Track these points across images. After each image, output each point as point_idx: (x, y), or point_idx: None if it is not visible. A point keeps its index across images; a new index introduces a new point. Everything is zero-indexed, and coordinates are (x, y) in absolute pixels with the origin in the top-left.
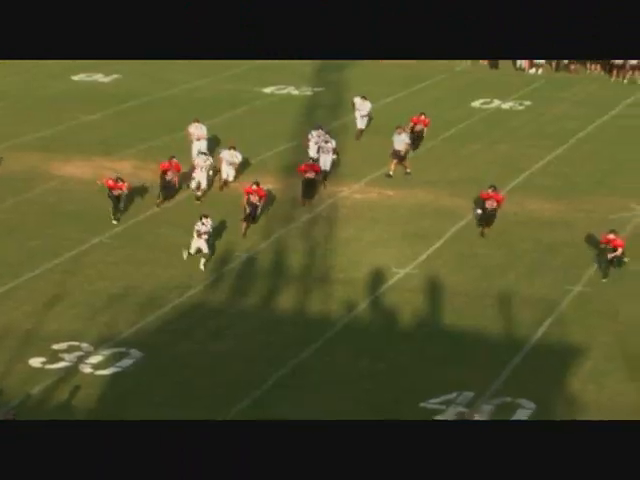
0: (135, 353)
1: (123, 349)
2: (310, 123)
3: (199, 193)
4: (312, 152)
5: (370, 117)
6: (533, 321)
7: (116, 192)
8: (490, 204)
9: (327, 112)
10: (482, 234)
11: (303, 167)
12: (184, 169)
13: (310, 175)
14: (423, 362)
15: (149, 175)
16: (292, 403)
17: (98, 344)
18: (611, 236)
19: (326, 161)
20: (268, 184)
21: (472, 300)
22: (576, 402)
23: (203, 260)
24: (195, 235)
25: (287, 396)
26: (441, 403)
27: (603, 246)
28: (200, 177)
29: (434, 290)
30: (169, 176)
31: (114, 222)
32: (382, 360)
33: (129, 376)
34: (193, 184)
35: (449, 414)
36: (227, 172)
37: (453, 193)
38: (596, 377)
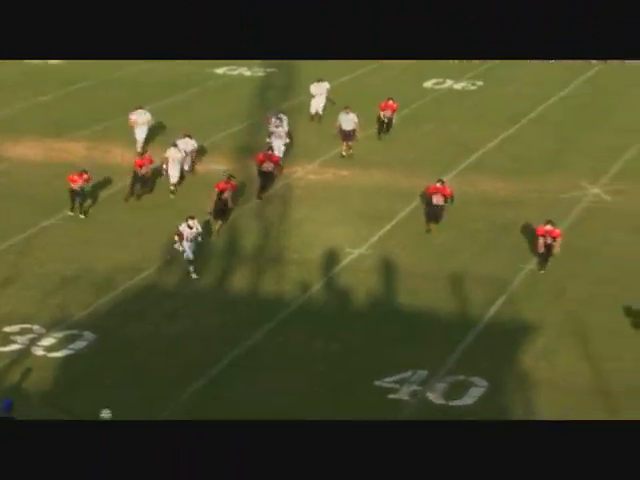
0: (88, 335)
1: (76, 331)
2: (263, 104)
3: (172, 187)
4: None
5: (332, 101)
6: (486, 300)
7: (76, 186)
8: (437, 199)
9: (279, 93)
10: (428, 230)
11: (261, 157)
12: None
13: (268, 167)
14: (377, 342)
15: (101, 156)
16: (246, 383)
17: (50, 326)
18: (548, 227)
19: (280, 147)
20: (220, 165)
21: (426, 280)
22: (528, 380)
23: (191, 268)
24: (177, 238)
25: (241, 376)
26: (395, 382)
27: (541, 239)
28: (172, 171)
29: (388, 270)
30: (143, 171)
31: (70, 213)
32: (336, 340)
33: (82, 358)
34: (172, 179)
35: (403, 393)
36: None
37: (407, 173)
38: (548, 355)
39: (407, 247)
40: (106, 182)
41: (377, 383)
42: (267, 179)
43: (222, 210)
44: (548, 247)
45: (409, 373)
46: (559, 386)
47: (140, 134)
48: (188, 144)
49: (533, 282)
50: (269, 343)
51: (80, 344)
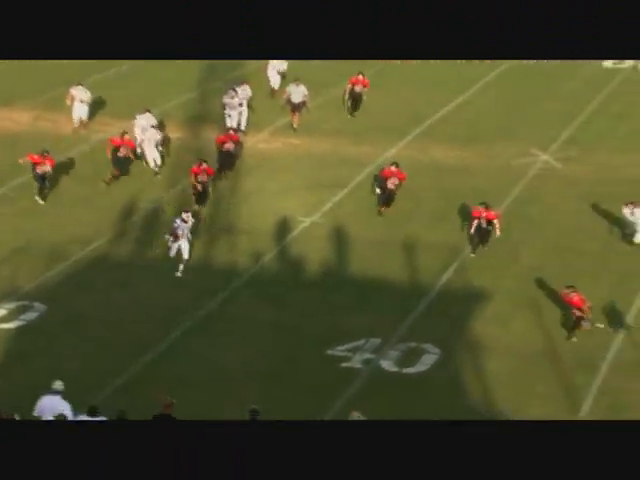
0: (39, 306)
1: (26, 302)
2: (212, 72)
3: (157, 169)
4: (230, 122)
5: (284, 75)
6: (438, 267)
7: (40, 170)
8: (392, 182)
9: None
10: (380, 213)
11: (222, 138)
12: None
13: (229, 147)
14: (330, 310)
15: (49, 126)
16: (199, 353)
17: (1, 298)
18: (482, 208)
19: (233, 118)
20: (171, 133)
21: (378, 248)
22: (481, 346)
23: (181, 267)
24: (171, 237)
25: (194, 346)
26: (348, 350)
27: (476, 220)
28: (151, 153)
29: (340, 239)
30: (122, 152)
31: (40, 202)
32: (288, 309)
33: (34, 329)
34: (152, 163)
35: (355, 361)
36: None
37: (357, 141)
38: (500, 321)
39: (359, 215)
40: (55, 153)
41: (329, 352)
42: (228, 158)
43: (201, 195)
44: (483, 231)
45: (362, 341)
46: (511, 352)
47: (78, 111)
48: (150, 119)
49: (485, 249)
50: (222, 312)
51: (31, 315)
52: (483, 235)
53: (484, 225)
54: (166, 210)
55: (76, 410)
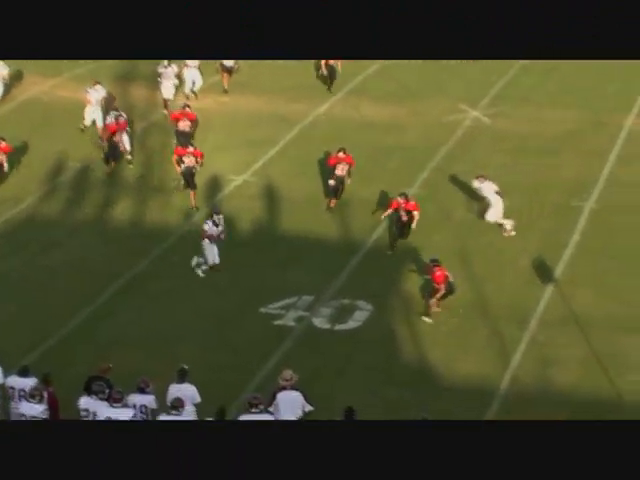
0: None
1: None
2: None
3: (129, 157)
4: (165, 93)
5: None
6: (369, 224)
7: None
8: (341, 170)
9: None
10: (328, 207)
11: (177, 115)
12: None
13: (185, 127)
14: (262, 268)
15: None
16: (132, 313)
17: None
18: (401, 199)
19: (168, 89)
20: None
21: (309, 205)
22: (412, 301)
23: (206, 268)
24: (206, 241)
25: (127, 306)
26: (281, 308)
27: (392, 210)
28: (122, 139)
29: (272, 196)
30: (117, 138)
31: None
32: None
33: None
34: (127, 148)
35: (288, 319)
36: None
37: (288, 99)
38: None
39: (291, 173)
40: None
41: (263, 310)
42: (186, 137)
43: (190, 176)
44: (402, 223)
45: (294, 299)
46: (442, 306)
47: None
48: (100, 92)
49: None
50: (153, 272)
51: None
52: (402, 228)
53: (404, 217)
54: (95, 169)
55: (6, 372)
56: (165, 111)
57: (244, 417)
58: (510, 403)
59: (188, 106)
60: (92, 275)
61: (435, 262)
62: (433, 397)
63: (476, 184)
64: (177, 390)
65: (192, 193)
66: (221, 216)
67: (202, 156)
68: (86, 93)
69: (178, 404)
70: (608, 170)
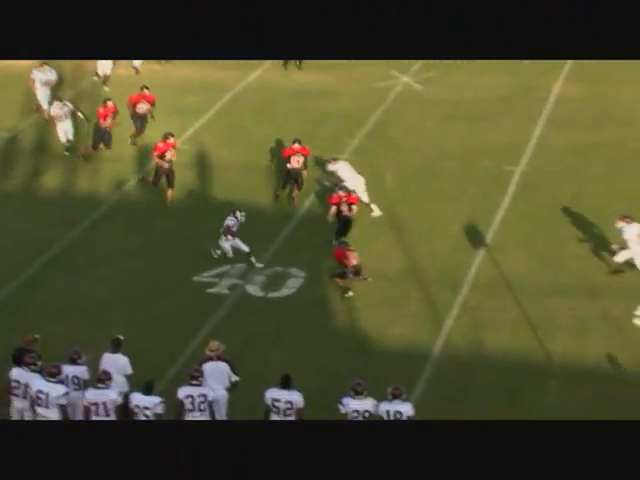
0: None
1: None
2: None
3: (68, 144)
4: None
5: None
6: (302, 192)
7: None
8: (297, 162)
9: None
10: (276, 195)
11: (135, 97)
12: None
13: (142, 109)
14: (194, 236)
15: None
16: (63, 284)
17: None
18: (342, 193)
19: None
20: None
21: (242, 174)
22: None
23: (253, 258)
24: (228, 235)
25: (58, 277)
26: (214, 276)
27: (334, 207)
28: (65, 127)
29: (203, 165)
30: (107, 122)
31: None
32: (153, 236)
33: None
34: (62, 137)
35: (222, 287)
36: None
37: (218, 67)
38: (365, 243)
39: (221, 141)
40: None
41: (196, 278)
42: (142, 122)
43: (168, 175)
44: (345, 218)
45: (227, 267)
46: (374, 272)
47: None
48: (49, 73)
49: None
50: (85, 241)
51: None
52: (345, 223)
53: (346, 211)
54: (22, 139)
55: None
56: (95, 78)
57: (183, 389)
58: (443, 367)
59: (146, 87)
60: (22, 245)
61: (343, 244)
62: (367, 362)
63: (331, 167)
64: (109, 360)
65: (170, 191)
66: (244, 213)
67: (175, 146)
68: (31, 74)
69: (105, 377)
70: (538, 134)
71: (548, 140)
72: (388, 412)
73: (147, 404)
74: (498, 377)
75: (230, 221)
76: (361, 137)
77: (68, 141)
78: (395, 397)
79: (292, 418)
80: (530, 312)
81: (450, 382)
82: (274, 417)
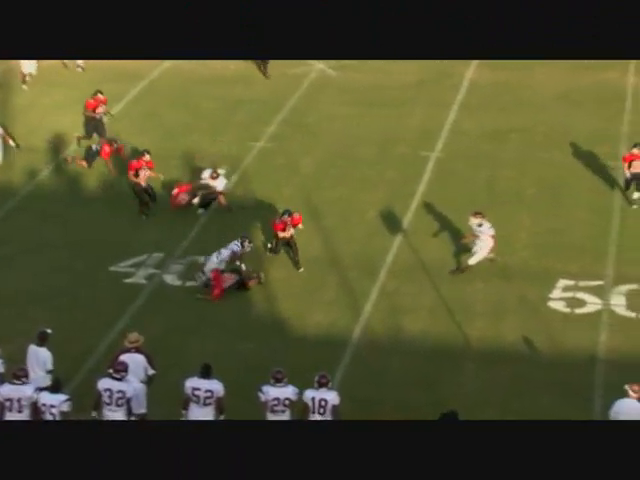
0: None
1: None
2: None
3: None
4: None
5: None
6: None
7: None
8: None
9: None
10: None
11: (92, 102)
12: None
13: (101, 113)
14: (111, 226)
15: None
16: None
17: None
18: (286, 218)
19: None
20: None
21: (158, 160)
22: (263, 255)
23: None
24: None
25: None
26: (131, 266)
27: (281, 233)
28: None
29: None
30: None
31: None
32: (70, 226)
33: None
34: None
35: (139, 277)
36: None
37: None
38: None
39: (137, 127)
40: None
41: (112, 269)
42: (99, 127)
43: (146, 190)
44: (293, 240)
45: (144, 257)
46: (293, 259)
47: None
48: None
49: (265, 158)
50: (4, 233)
51: None
52: (293, 246)
53: (291, 233)
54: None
55: None
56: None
57: (103, 381)
58: (362, 353)
59: (100, 92)
60: None
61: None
62: (286, 350)
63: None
64: (34, 353)
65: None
66: (252, 244)
67: (152, 165)
68: None
69: (21, 373)
70: (452, 120)
71: (462, 125)
72: (314, 399)
73: (53, 402)
74: (417, 361)
75: (236, 247)
76: (277, 124)
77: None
78: (321, 385)
79: (212, 407)
80: (447, 296)
81: (369, 367)
82: (194, 406)
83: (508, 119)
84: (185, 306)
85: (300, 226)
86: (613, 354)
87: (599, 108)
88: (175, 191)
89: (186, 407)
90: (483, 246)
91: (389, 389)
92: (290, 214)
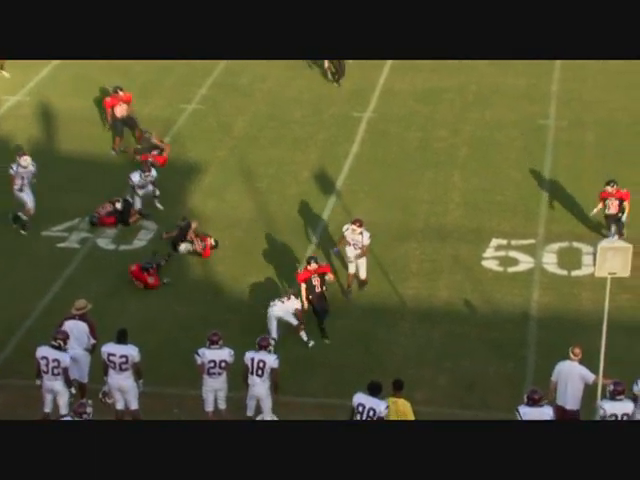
0: None
1: None
2: None
3: None
4: None
5: None
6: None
7: None
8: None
9: None
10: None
11: (110, 100)
12: None
13: (122, 112)
14: (41, 190)
15: None
16: None
17: None
18: (314, 265)
19: None
20: None
21: (89, 125)
22: (200, 218)
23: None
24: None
25: None
26: (64, 230)
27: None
28: None
29: (47, 116)
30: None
31: None
32: (1, 191)
33: None
34: None
35: (72, 241)
36: None
37: None
38: (216, 191)
39: (67, 91)
40: None
41: (45, 233)
42: (122, 125)
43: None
44: (322, 292)
45: (76, 220)
46: (229, 220)
47: None
48: None
49: (197, 120)
50: None
51: None
52: (323, 299)
53: (318, 286)
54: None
55: None
56: None
57: (41, 349)
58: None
59: (120, 89)
60: None
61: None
62: (220, 311)
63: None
64: None
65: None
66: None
67: (164, 162)
68: None
69: None
70: (383, 81)
71: (394, 86)
72: (252, 360)
73: None
74: (353, 321)
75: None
76: (208, 86)
77: None
78: (261, 348)
79: (129, 373)
80: (382, 256)
81: (307, 328)
82: (112, 372)
83: (440, 80)
84: (119, 270)
85: (331, 277)
86: (545, 311)
87: (529, 67)
88: None
89: (106, 373)
90: (360, 254)
91: (325, 349)
92: (316, 261)
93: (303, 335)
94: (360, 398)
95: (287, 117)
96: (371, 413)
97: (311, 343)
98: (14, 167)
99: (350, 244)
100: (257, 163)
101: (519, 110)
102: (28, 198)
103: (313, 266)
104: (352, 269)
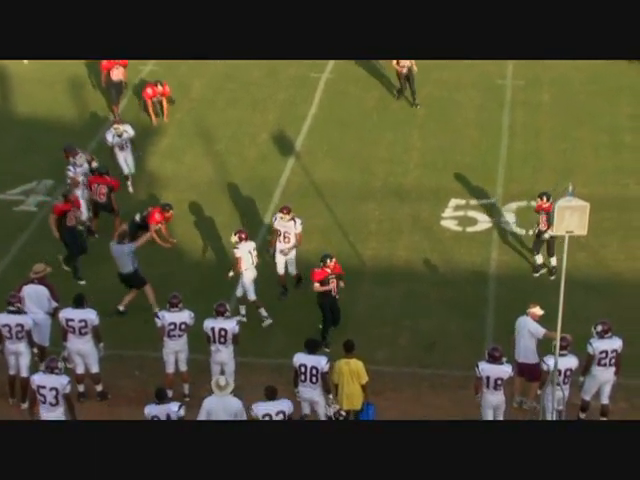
0: None
1: None
2: None
3: None
4: None
5: None
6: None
7: None
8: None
9: None
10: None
11: (108, 63)
12: None
13: (118, 76)
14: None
15: None
16: None
17: None
18: (330, 262)
19: None
20: None
21: (43, 87)
22: (159, 181)
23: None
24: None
25: None
26: (20, 194)
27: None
28: None
29: (3, 77)
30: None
31: None
32: None
33: None
34: None
35: (29, 204)
36: None
37: None
38: (175, 153)
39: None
40: None
41: (1, 197)
42: (118, 91)
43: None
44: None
45: (34, 183)
46: (187, 183)
47: None
48: None
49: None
50: None
51: None
52: (333, 308)
53: (334, 289)
54: None
55: None
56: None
57: (0, 316)
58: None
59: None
60: None
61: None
62: (180, 272)
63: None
64: None
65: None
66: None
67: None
68: None
69: None
70: None
71: None
72: (213, 329)
73: None
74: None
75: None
76: None
77: None
78: (219, 314)
79: (88, 337)
80: (341, 217)
81: (265, 293)
82: (72, 337)
83: None
84: None
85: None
86: (504, 270)
87: None
88: None
89: (65, 338)
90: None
91: (285, 310)
92: (330, 258)
93: (262, 311)
94: (300, 358)
95: (245, 78)
96: (314, 371)
97: (268, 322)
98: None
99: (281, 234)
100: (215, 125)
101: (477, 70)
102: None
103: (329, 265)
104: (281, 269)
